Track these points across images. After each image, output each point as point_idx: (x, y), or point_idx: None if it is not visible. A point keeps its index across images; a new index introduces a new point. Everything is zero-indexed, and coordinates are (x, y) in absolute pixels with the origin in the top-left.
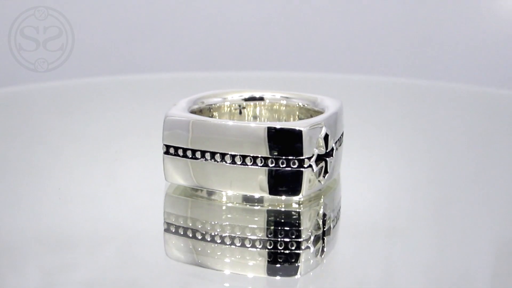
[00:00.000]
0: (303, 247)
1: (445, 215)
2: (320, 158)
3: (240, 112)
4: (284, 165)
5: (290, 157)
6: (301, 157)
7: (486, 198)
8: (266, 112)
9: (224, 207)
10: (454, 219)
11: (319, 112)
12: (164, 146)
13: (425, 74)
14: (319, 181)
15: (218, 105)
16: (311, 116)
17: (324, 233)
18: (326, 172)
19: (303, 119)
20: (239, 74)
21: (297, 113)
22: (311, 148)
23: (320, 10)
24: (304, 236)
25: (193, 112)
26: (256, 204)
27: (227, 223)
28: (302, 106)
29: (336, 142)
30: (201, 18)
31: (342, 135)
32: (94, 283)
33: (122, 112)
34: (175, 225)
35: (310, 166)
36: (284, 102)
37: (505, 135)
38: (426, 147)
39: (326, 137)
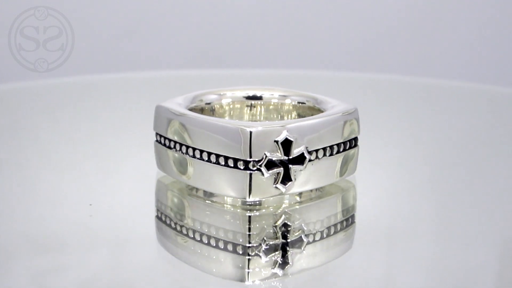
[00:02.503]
0: (251, 253)
1: (450, 217)
2: (277, 164)
3: (250, 110)
4: (232, 165)
5: (238, 158)
6: (247, 159)
7: (492, 199)
8: (272, 110)
9: (208, 205)
10: (459, 221)
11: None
12: (155, 134)
13: (429, 72)
14: (276, 187)
15: (220, 103)
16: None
17: (287, 245)
18: (287, 179)
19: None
20: (243, 72)
21: (303, 112)
22: (261, 151)
23: (320, 6)
24: (253, 242)
25: (192, 109)
26: (252, 206)
27: (194, 217)
28: (306, 105)
29: (321, 150)
30: (199, 16)
31: (344, 144)
32: (86, 285)
33: (118, 109)
34: (164, 215)
35: (259, 169)
36: (288, 101)
37: None
38: (430, 148)
39: (288, 143)
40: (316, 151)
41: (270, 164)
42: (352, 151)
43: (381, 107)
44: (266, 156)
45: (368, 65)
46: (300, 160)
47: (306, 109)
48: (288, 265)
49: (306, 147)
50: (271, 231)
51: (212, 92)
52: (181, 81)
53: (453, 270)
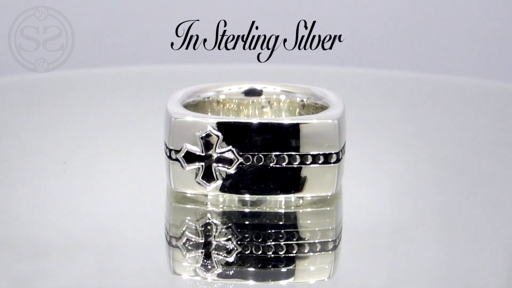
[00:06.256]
0: (173, 243)
1: (454, 222)
2: (200, 159)
3: (270, 107)
4: (164, 151)
5: (166, 144)
6: (169, 147)
7: (497, 201)
8: (274, 107)
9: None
10: (463, 226)
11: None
12: None
13: (431, 68)
14: (198, 182)
15: (220, 98)
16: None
17: (209, 246)
18: (211, 178)
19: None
20: (243, 68)
21: (306, 110)
22: (181, 141)
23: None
24: (174, 232)
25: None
26: (251, 207)
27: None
28: (308, 103)
29: (259, 156)
30: (198, 12)
31: (302, 156)
32: None
33: (113, 106)
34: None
35: (177, 159)
36: (292, 98)
37: None
38: (431, 148)
39: (212, 139)
40: (253, 155)
41: (192, 157)
42: (319, 166)
43: (381, 106)
44: (185, 148)
45: (368, 61)
46: (228, 160)
47: (310, 108)
48: (214, 269)
49: (234, 148)
50: (192, 226)
51: (212, 88)
52: (183, 76)
53: (458, 273)
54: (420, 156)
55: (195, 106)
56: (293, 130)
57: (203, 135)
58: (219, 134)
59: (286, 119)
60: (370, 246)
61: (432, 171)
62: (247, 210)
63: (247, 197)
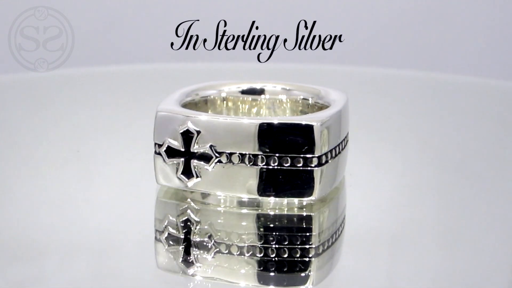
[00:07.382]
0: (157, 236)
1: (455, 224)
2: (180, 154)
3: (273, 106)
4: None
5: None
6: (154, 141)
7: (498, 201)
8: (274, 106)
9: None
10: (466, 228)
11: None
12: None
13: (431, 66)
14: (178, 178)
15: (221, 96)
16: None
17: (189, 242)
18: (189, 173)
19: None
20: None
21: (308, 109)
22: (163, 136)
23: None
24: (158, 226)
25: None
26: (250, 208)
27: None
28: (310, 102)
29: (238, 155)
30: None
31: (281, 158)
32: None
33: (113, 105)
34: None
35: (160, 154)
36: (292, 97)
37: None
38: (431, 147)
39: (190, 135)
40: (231, 154)
41: (173, 152)
42: (298, 169)
43: (381, 105)
44: (167, 142)
45: (368, 61)
46: (206, 157)
47: (314, 107)
48: (193, 265)
49: (212, 146)
50: (174, 222)
51: (212, 87)
52: (183, 76)
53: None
54: (421, 156)
55: (195, 105)
56: (269, 131)
57: (183, 130)
58: (198, 130)
59: (265, 119)
60: (368, 250)
61: (432, 171)
62: (230, 210)
63: (228, 196)
